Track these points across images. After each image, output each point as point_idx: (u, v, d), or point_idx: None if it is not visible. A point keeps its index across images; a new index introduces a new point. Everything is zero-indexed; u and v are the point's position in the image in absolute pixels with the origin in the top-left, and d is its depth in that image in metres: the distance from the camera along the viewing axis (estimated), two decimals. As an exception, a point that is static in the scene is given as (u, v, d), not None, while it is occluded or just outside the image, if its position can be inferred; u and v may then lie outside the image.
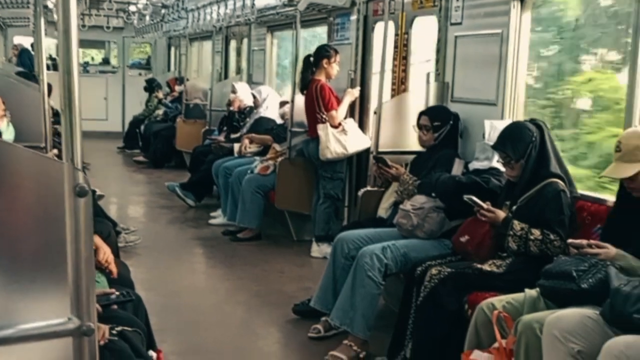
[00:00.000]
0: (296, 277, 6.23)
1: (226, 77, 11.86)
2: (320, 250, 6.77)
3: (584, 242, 3.33)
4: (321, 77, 6.79)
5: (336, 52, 6.84)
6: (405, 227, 4.66)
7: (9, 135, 5.41)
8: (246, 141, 8.30)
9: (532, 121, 4.12)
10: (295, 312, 5.18)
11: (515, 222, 3.87)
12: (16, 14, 13.08)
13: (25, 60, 13.42)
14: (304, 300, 5.16)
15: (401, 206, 4.77)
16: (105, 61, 18.02)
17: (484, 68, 5.14)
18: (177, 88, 13.19)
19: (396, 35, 6.40)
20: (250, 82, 10.24)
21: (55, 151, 5.43)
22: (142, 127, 13.43)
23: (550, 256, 3.66)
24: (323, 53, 6.81)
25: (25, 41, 14.90)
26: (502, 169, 4.25)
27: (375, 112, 5.70)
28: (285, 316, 5.19)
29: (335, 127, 6.65)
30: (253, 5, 8.99)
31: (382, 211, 5.32)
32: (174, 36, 15.09)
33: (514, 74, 4.94)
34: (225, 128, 9.49)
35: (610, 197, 3.78)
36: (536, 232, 3.82)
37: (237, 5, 9.58)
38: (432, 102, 5.56)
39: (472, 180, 4.56)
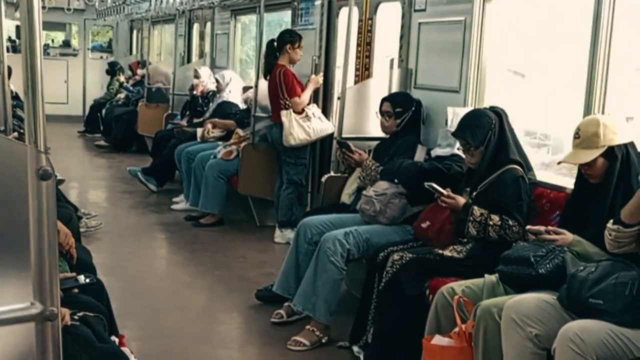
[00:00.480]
0: (259, 263, 6.23)
1: (189, 61, 11.77)
2: (283, 235, 6.78)
3: (542, 228, 3.39)
4: (285, 63, 6.78)
5: (300, 37, 6.83)
6: (367, 212, 4.68)
7: None
8: (209, 126, 8.26)
9: (492, 108, 4.16)
10: (257, 297, 5.19)
11: (475, 208, 3.92)
12: None
13: None
14: (267, 286, 5.16)
15: (364, 192, 4.80)
16: (66, 44, 17.74)
17: (447, 55, 5.17)
18: (140, 72, 13.06)
19: (360, 21, 6.41)
20: (214, 66, 10.17)
21: (15, 134, 5.35)
22: (104, 111, 13.28)
23: (509, 242, 3.72)
24: (286, 38, 6.80)
25: None
26: (463, 155, 4.29)
27: (339, 98, 5.70)
28: (248, 302, 5.20)
29: (299, 113, 6.65)
30: (217, -12, 8.92)
31: (346, 197, 5.34)
32: (136, 19, 14.91)
33: (477, 61, 4.98)
34: (188, 113, 9.43)
35: (569, 184, 3.84)
36: (495, 218, 3.87)
37: (201, -12, 9.49)
38: (395, 89, 5.58)
39: (434, 166, 4.60)
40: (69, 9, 14.33)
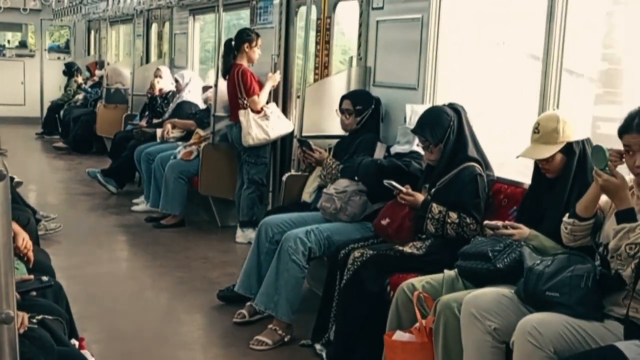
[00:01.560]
0: (220, 263, 6.21)
1: (148, 61, 11.67)
2: (244, 235, 6.77)
3: (499, 223, 3.45)
4: (243, 62, 6.77)
5: (258, 36, 6.82)
6: (328, 210, 4.69)
7: None
8: (168, 126, 8.21)
9: (450, 105, 4.20)
10: (219, 297, 5.17)
11: (434, 205, 3.95)
12: None
13: None
14: (229, 286, 5.15)
15: (325, 190, 4.81)
16: (22, 44, 17.48)
17: (405, 53, 5.20)
18: (97, 72, 12.93)
19: (319, 19, 6.42)
20: (173, 66, 10.10)
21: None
22: (62, 113, 13.12)
23: (467, 238, 3.76)
24: (244, 37, 6.79)
25: None
26: (422, 152, 4.33)
27: (298, 97, 5.70)
28: (210, 302, 5.18)
29: (257, 112, 6.64)
30: (175, -13, 8.86)
31: (307, 195, 5.34)
32: (94, 19, 14.75)
33: (434, 58, 5.02)
34: (147, 113, 9.35)
35: (526, 180, 3.89)
36: (453, 216, 3.91)
37: (159, -13, 9.42)
38: (354, 86, 5.61)
39: (393, 163, 4.63)
40: (24, 9, 14.11)
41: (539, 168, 3.52)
